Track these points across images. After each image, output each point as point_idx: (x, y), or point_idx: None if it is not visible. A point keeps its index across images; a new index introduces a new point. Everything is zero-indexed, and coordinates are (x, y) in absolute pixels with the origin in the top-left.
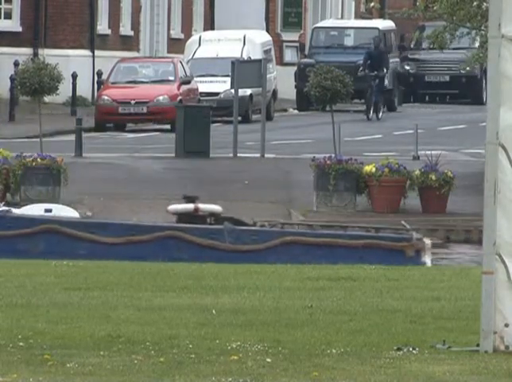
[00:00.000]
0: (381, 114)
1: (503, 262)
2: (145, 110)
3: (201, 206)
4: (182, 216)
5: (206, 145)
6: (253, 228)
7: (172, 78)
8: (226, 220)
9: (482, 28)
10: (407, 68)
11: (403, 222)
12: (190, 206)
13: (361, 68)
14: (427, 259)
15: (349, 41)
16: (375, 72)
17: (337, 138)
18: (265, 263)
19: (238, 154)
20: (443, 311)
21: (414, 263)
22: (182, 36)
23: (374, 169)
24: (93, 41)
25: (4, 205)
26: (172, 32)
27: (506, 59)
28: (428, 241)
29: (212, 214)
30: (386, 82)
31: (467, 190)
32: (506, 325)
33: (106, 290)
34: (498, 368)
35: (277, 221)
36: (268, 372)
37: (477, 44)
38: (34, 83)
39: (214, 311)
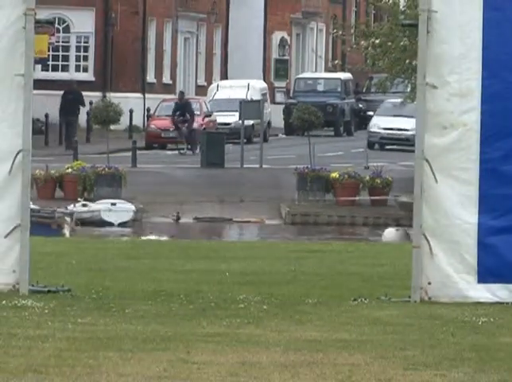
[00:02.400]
0: (198, 149)
1: (427, 239)
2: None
3: None
4: None
5: (222, 159)
6: None
7: (198, 113)
8: None
9: (413, 78)
10: (360, 105)
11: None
12: None
13: (176, 117)
14: (66, 231)
15: (320, 87)
16: (182, 118)
17: (312, 154)
18: None
19: (244, 165)
20: (385, 273)
21: (56, 233)
22: (205, 83)
23: (337, 175)
24: (144, 87)
25: (84, 200)
26: (198, 81)
27: (429, 99)
28: (68, 219)
29: None
30: (195, 125)
31: (402, 190)
32: (429, 283)
33: (153, 259)
34: (423, 312)
35: None
36: (264, 315)
37: (409, 89)
38: (103, 116)
39: (227, 274)
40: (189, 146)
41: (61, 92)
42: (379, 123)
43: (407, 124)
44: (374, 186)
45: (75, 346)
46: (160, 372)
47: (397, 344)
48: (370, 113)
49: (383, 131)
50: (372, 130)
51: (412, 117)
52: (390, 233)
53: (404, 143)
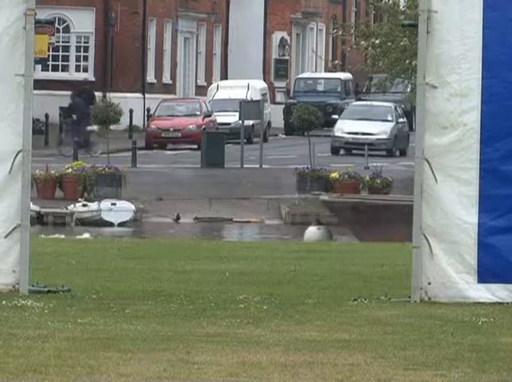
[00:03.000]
0: (94, 151)
1: (427, 239)
2: (179, 135)
3: None
4: None
5: (222, 159)
6: None
7: (198, 113)
8: None
9: (413, 78)
10: None
11: None
12: None
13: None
14: None
15: (320, 87)
16: (70, 118)
17: (312, 154)
18: None
19: (244, 165)
20: (385, 273)
21: None
22: (205, 83)
23: (337, 176)
24: (144, 87)
25: (84, 200)
26: (198, 81)
27: (429, 99)
28: None
29: None
30: (90, 127)
31: (402, 190)
32: (429, 284)
33: (152, 259)
34: (423, 312)
35: None
36: (264, 315)
37: (409, 89)
38: (103, 116)
39: (227, 274)
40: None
41: (60, 92)
42: (344, 127)
43: (373, 128)
44: (375, 186)
45: (75, 346)
46: (160, 372)
47: (397, 344)
48: (335, 116)
49: (347, 136)
50: (336, 134)
51: (379, 120)
52: (312, 232)
53: (369, 148)
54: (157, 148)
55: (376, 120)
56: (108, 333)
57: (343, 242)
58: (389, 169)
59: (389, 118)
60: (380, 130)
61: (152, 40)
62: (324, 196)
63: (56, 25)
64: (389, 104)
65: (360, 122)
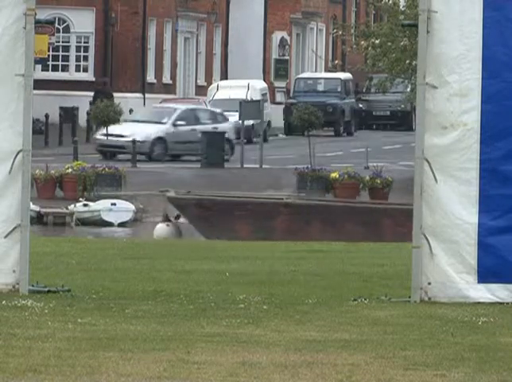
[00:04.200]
0: None
1: (427, 239)
2: None
3: None
4: None
5: (222, 159)
6: None
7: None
8: None
9: (413, 78)
10: (360, 105)
11: None
12: None
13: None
14: None
15: (320, 87)
16: None
17: (312, 154)
18: None
19: (244, 165)
20: (385, 273)
21: None
22: (205, 83)
23: (337, 175)
24: (144, 87)
25: (85, 200)
26: (198, 81)
27: (429, 99)
28: None
29: None
30: None
31: (402, 190)
32: (429, 283)
33: (152, 259)
34: (423, 312)
35: None
36: (264, 315)
37: (409, 89)
38: (103, 116)
39: (227, 274)
40: None
41: (60, 92)
42: (115, 129)
43: (131, 130)
44: (374, 186)
45: (75, 346)
46: (160, 372)
47: (397, 344)
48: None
49: (104, 138)
50: (97, 137)
51: (155, 123)
52: (161, 228)
53: (124, 151)
54: None
55: (154, 123)
56: (108, 333)
57: (188, 239)
58: (389, 169)
59: (164, 120)
60: (129, 132)
61: (152, 40)
62: (170, 193)
63: (56, 25)
64: (174, 106)
65: (136, 124)
